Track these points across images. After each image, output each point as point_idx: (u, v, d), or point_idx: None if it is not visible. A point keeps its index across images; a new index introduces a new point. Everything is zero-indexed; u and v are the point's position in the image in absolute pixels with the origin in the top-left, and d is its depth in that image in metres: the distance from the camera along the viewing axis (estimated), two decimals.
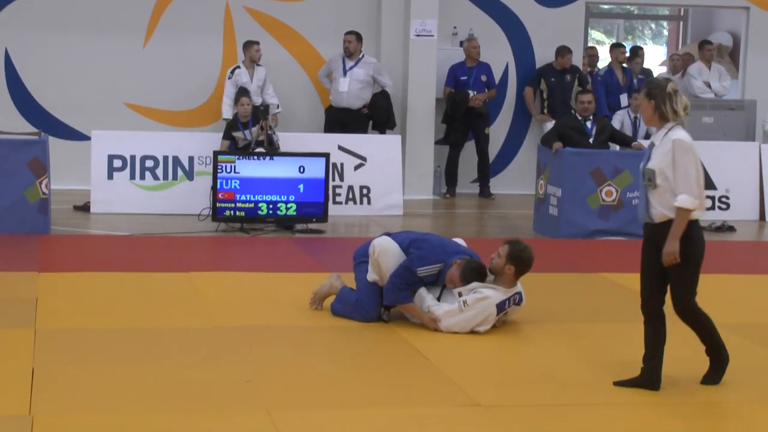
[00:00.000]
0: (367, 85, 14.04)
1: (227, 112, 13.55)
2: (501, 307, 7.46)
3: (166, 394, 6.00)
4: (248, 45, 13.79)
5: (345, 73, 13.95)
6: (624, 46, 16.01)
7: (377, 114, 14.07)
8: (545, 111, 14.98)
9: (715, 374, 6.47)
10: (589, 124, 12.13)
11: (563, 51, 14.88)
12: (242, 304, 8.25)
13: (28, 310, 7.59)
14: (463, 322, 7.40)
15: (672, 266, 6.16)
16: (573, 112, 12.91)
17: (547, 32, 15.20)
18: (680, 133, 6.18)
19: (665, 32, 22.80)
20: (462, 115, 14.39)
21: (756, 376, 6.75)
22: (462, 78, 14.52)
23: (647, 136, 13.77)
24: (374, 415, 5.79)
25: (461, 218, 13.37)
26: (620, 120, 14.12)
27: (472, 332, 7.40)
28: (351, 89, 13.92)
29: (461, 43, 14.89)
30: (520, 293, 7.60)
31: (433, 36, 14.41)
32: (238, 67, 13.86)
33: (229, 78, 13.81)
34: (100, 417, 5.58)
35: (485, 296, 7.40)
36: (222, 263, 10.09)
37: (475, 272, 7.50)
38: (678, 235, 6.08)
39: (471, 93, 14.40)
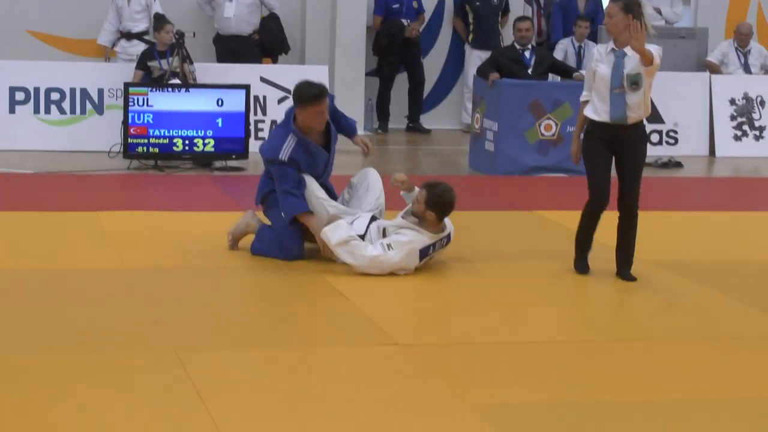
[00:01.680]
0: (255, 8, 14.05)
1: (103, 37, 13.60)
2: (424, 252, 7.74)
3: (69, 335, 6.21)
4: None
5: None
6: None
7: (269, 39, 14.10)
8: (470, 40, 15.12)
9: (629, 269, 7.76)
10: (527, 53, 12.41)
11: None
12: (154, 245, 8.41)
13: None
14: (383, 265, 7.65)
15: (636, 162, 7.63)
16: (500, 40, 13.08)
17: None
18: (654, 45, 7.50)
19: None
20: (397, 46, 14.59)
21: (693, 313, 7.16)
22: (394, 6, 14.69)
23: None
24: (287, 356, 6.06)
25: (394, 155, 13.59)
26: (563, 49, 14.43)
27: (392, 274, 7.67)
28: (238, 14, 13.88)
29: None
30: (448, 235, 7.88)
31: None
32: None
33: None
34: None
35: (409, 240, 7.67)
36: (133, 203, 10.19)
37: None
38: None
39: (405, 22, 14.60)
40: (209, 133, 11.68)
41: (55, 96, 12.58)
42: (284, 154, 7.82)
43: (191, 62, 12.44)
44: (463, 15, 15.27)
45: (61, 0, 14.24)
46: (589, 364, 6.19)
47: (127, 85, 11.64)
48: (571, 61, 14.20)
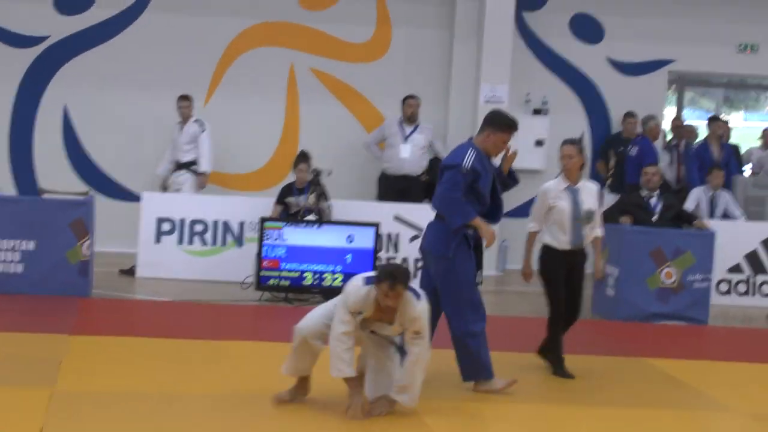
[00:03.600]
0: (425, 151, 14.80)
1: (161, 168, 14.30)
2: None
3: None
4: (178, 100, 14.33)
5: (405, 139, 14.69)
6: (721, 120, 16.47)
7: (435, 180, 14.68)
8: (609, 183, 15.48)
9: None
10: (654, 200, 12.65)
11: (626, 116, 15.47)
12: (274, 374, 8.80)
13: (50, 371, 8.36)
14: None
15: (582, 280, 9.21)
16: (639, 185, 13.43)
17: (625, 101, 15.80)
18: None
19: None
20: None
21: None
22: None
23: (725, 216, 14.28)
24: None
25: (516, 296, 13.70)
26: (696, 197, 14.56)
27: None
28: (413, 156, 14.67)
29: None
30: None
31: (503, 102, 15.03)
32: (179, 122, 14.37)
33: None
34: None
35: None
36: (260, 333, 10.77)
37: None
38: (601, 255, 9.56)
39: None
40: (338, 268, 12.21)
41: (199, 227, 13.34)
42: (467, 162, 8.17)
43: (327, 199, 13.08)
44: (606, 159, 15.66)
45: (214, 135, 15.08)
46: None
47: (263, 220, 12.31)
48: (704, 209, 14.38)
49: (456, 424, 7.74)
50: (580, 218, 9.06)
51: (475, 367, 8.38)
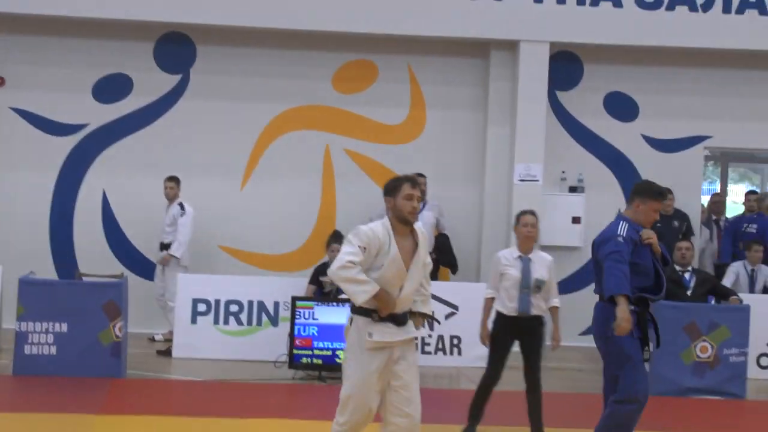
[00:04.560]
0: (433, 228, 14.76)
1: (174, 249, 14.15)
2: None
3: None
4: (165, 181, 14.41)
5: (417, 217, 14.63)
6: (758, 194, 16.40)
7: (444, 257, 14.75)
8: None
9: None
10: (687, 275, 12.59)
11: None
12: None
13: None
14: None
15: (538, 345, 9.32)
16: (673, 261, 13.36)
17: (662, 178, 15.67)
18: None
19: None
20: None
21: None
22: None
23: (765, 290, 14.14)
24: None
25: (559, 371, 13.66)
26: (735, 272, 14.46)
27: None
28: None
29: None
30: None
31: (537, 181, 15.10)
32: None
33: None
34: None
35: None
36: (292, 411, 10.72)
37: None
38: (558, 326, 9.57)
39: None
40: None
41: (234, 308, 13.40)
42: (622, 231, 8.17)
43: None
44: None
45: (251, 217, 15.36)
46: None
47: (294, 299, 12.36)
48: (743, 284, 14.27)
49: None
50: (529, 287, 9.29)
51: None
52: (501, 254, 9.62)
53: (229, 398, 11.11)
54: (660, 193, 8.41)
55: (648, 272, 8.27)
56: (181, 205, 14.24)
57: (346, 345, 7.36)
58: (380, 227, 7.24)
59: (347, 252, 7.11)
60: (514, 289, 9.34)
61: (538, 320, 9.43)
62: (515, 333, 9.40)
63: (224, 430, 9.57)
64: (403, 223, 7.31)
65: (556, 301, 9.58)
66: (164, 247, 14.22)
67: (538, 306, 9.39)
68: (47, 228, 15.27)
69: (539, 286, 9.34)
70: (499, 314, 9.45)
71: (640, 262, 8.20)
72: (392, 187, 7.33)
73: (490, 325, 9.58)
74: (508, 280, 9.37)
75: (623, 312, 7.86)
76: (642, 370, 8.19)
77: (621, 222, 8.30)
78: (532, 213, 9.60)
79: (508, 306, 9.38)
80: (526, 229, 9.48)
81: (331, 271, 7.14)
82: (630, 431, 8.23)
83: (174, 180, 14.38)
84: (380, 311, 7.14)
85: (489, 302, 9.62)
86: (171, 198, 14.35)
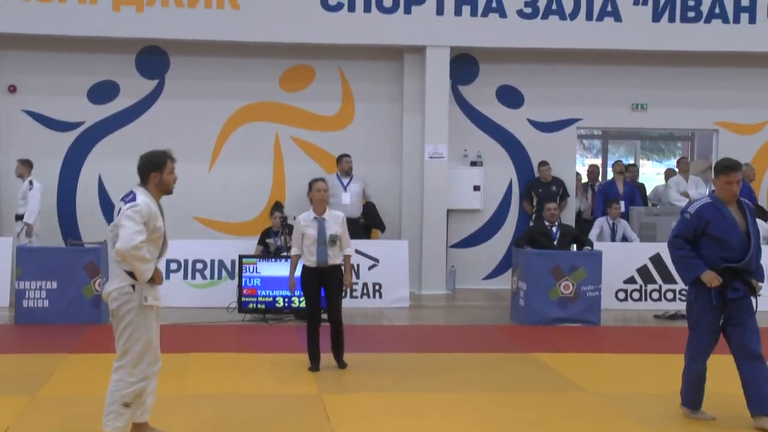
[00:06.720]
0: (360, 197, 14.55)
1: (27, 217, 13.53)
2: None
3: None
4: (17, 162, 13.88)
5: (345, 188, 14.45)
6: (621, 162, 16.30)
7: (372, 220, 14.58)
8: (534, 219, 15.21)
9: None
10: (554, 229, 12.45)
11: (540, 164, 15.28)
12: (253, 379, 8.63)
13: (37, 383, 8.17)
14: None
15: (338, 290, 9.04)
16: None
17: (544, 153, 15.58)
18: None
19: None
20: None
21: None
22: None
23: (624, 239, 14.00)
24: None
25: (462, 309, 13.57)
26: (600, 225, 14.34)
27: None
28: (352, 202, 14.43)
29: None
30: None
31: (443, 158, 14.88)
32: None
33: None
34: None
35: None
36: (241, 347, 10.50)
37: None
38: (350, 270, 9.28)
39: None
40: None
41: (199, 265, 13.18)
42: (693, 208, 7.08)
43: None
44: (530, 198, 15.40)
45: (217, 193, 15.08)
46: None
47: (241, 257, 12.15)
48: (606, 235, 14.13)
49: None
50: (325, 242, 9.01)
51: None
52: (301, 217, 9.22)
53: (192, 337, 10.89)
54: (726, 167, 6.99)
55: (730, 246, 6.96)
56: (30, 182, 13.71)
57: (126, 309, 6.39)
58: (151, 201, 6.49)
59: (137, 231, 6.22)
60: (313, 246, 9.06)
61: (336, 268, 9.15)
62: (320, 280, 9.10)
63: (184, 362, 9.35)
64: (166, 194, 6.58)
65: (348, 251, 9.26)
66: (19, 217, 13.71)
67: (334, 257, 9.11)
68: (55, 206, 14.98)
69: (333, 240, 9.07)
70: (304, 267, 9.12)
71: (722, 236, 6.96)
72: (159, 163, 6.50)
73: (298, 277, 9.21)
74: (308, 238, 9.08)
75: (706, 277, 6.94)
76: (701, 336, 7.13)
77: (704, 199, 7.09)
78: (323, 180, 9.27)
79: (310, 259, 9.06)
80: (319, 194, 9.12)
81: (125, 248, 6.21)
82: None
83: (23, 162, 13.83)
84: (156, 280, 6.52)
85: (295, 258, 9.24)
86: (21, 177, 13.79)
